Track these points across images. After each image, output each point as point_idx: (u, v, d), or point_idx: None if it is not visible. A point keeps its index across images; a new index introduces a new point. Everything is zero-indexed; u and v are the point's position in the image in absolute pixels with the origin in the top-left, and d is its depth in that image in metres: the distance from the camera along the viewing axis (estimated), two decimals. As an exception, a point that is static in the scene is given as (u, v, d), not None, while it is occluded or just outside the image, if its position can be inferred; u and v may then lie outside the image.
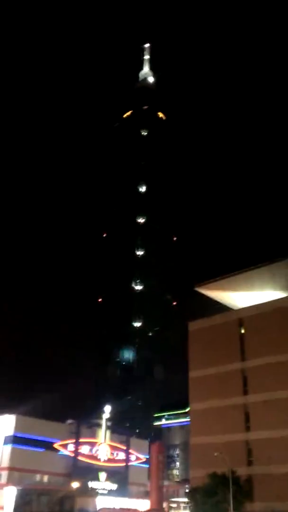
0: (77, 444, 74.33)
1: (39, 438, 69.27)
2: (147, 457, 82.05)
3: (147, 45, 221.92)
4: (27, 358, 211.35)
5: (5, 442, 67.34)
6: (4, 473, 65.21)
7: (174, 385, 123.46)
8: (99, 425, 78.81)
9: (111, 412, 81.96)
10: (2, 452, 67.08)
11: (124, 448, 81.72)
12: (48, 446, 70.38)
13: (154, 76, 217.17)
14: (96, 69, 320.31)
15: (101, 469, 75.80)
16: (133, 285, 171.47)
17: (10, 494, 60.71)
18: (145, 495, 77.54)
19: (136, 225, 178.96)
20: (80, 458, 73.95)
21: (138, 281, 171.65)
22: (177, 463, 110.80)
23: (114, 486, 75.16)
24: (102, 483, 74.30)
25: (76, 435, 74.84)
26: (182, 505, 78.82)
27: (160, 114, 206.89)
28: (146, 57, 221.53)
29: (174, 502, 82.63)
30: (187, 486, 68.74)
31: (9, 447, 66.64)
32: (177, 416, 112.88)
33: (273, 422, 50.00)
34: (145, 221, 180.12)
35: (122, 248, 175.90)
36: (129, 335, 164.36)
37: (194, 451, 58.59)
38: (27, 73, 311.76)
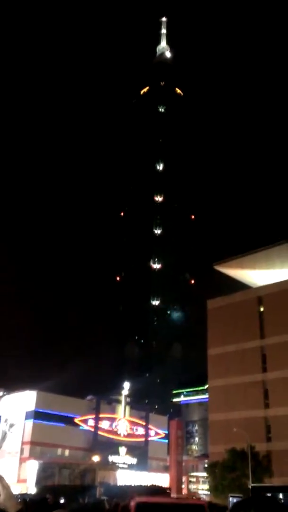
0: (97, 419, 75.51)
1: (60, 413, 70.48)
2: (166, 432, 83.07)
3: (163, 19, 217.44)
4: (48, 336, 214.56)
5: (27, 417, 68.78)
6: (26, 448, 66.75)
7: (192, 363, 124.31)
8: (119, 401, 79.82)
9: (130, 389, 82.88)
10: (24, 427, 68.57)
11: (144, 423, 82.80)
12: (69, 421, 71.64)
13: (171, 50, 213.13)
14: (113, 44, 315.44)
15: (121, 443, 77.03)
16: (151, 263, 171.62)
17: (32, 467, 62.24)
18: (165, 469, 78.81)
19: (154, 203, 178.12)
20: (100, 433, 75.20)
21: (156, 259, 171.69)
22: (196, 439, 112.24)
23: (134, 460, 76.42)
24: (122, 457, 75.59)
25: (96, 410, 75.95)
26: (201, 479, 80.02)
27: (178, 90, 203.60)
28: (163, 31, 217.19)
29: (193, 476, 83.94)
30: (206, 461, 69.64)
31: (30, 422, 68.07)
32: (196, 392, 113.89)
33: (292, 399, 49.99)
34: (163, 199, 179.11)
35: (140, 226, 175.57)
36: (148, 313, 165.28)
37: (213, 427, 59.10)
38: (44, 46, 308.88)
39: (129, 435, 79.35)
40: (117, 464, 73.31)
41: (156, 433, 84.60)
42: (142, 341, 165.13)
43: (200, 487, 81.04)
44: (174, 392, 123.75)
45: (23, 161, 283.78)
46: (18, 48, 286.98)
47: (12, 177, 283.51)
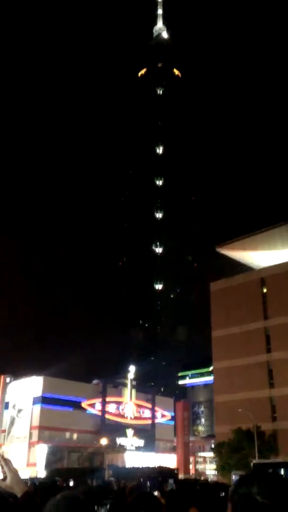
0: (104, 403, 76.30)
1: (67, 398, 71.25)
2: (173, 414, 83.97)
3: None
4: (53, 322, 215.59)
5: (34, 403, 69.59)
6: (35, 432, 67.64)
7: (197, 345, 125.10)
8: (125, 385, 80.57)
9: (136, 372, 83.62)
10: (32, 412, 69.41)
11: (150, 406, 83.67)
12: (76, 405, 72.44)
13: (167, 31, 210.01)
14: (109, 25, 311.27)
15: (128, 426, 77.94)
16: (153, 247, 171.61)
17: (41, 451, 63.17)
18: (172, 450, 79.90)
19: (154, 186, 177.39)
20: (107, 416, 76.05)
21: (158, 243, 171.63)
22: (202, 420, 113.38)
23: (141, 442, 77.40)
24: (129, 440, 76.56)
25: (103, 394, 76.72)
26: (208, 459, 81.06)
27: (176, 71, 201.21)
28: (159, 11, 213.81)
29: (200, 456, 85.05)
30: (212, 441, 70.48)
31: (38, 407, 68.88)
32: (201, 374, 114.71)
33: (296, 379, 50.43)
34: (163, 182, 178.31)
35: (141, 210, 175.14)
36: (151, 297, 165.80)
37: (218, 408, 59.73)
38: (39, 30, 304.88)
39: (136, 418, 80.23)
40: (124, 447, 74.29)
41: (163, 415, 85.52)
42: (146, 325, 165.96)
43: (207, 467, 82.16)
44: (179, 374, 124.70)
45: (22, 141, 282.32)
46: (10, 24, 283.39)
47: (12, 158, 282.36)
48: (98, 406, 75.62)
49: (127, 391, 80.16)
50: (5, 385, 74.12)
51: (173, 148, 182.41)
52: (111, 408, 77.16)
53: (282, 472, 25.62)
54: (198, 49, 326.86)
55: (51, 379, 71.49)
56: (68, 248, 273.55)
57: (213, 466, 67.41)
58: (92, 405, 75.03)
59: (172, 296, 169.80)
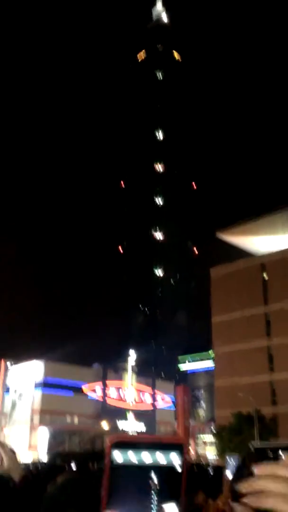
0: (105, 387, 76.82)
1: (68, 382, 71.75)
2: (173, 398, 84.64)
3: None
4: (53, 306, 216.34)
5: (36, 387, 70.11)
6: (36, 416, 68.26)
7: (197, 331, 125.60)
8: (125, 369, 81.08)
9: (136, 357, 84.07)
10: (34, 396, 69.96)
11: (151, 390, 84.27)
12: (77, 390, 72.96)
13: (167, 13, 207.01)
14: (107, 6, 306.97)
15: (129, 411, 78.60)
16: (154, 233, 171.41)
17: (43, 434, 63.80)
18: (173, 434, 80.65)
19: (154, 172, 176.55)
20: (108, 401, 76.61)
21: (158, 229, 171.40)
22: (203, 404, 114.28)
23: (142, 426, 78.13)
24: (130, 423, 77.25)
25: (103, 378, 77.23)
26: (208, 443, 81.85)
27: (176, 55, 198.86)
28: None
29: (201, 440, 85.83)
30: (212, 425, 71.11)
31: (39, 392, 69.42)
32: (201, 359, 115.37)
33: (296, 363, 50.72)
34: (163, 167, 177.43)
35: (141, 196, 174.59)
36: (152, 283, 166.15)
37: (219, 393, 60.15)
38: (34, 12, 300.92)
39: (136, 402, 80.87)
40: (125, 431, 74.98)
41: (163, 400, 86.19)
42: (146, 310, 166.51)
43: (208, 450, 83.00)
44: (180, 359, 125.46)
45: (18, 128, 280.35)
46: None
47: (6, 147, 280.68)
48: (99, 391, 76.14)
49: (127, 375, 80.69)
50: (6, 369, 74.60)
51: (173, 132, 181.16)
52: (112, 393, 77.69)
53: (280, 452, 25.76)
54: (198, 32, 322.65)
55: (52, 364, 71.92)
56: (68, 234, 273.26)
57: (213, 449, 68.18)
58: (93, 390, 75.55)
59: (172, 281, 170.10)
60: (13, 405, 71.92)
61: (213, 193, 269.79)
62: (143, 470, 0.82)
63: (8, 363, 75.00)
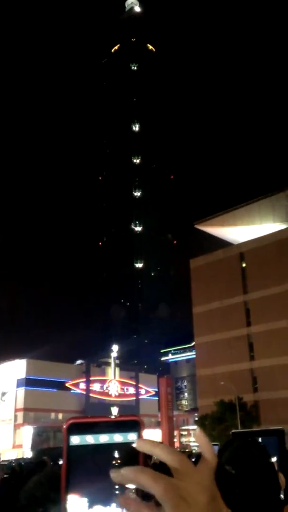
0: (88, 382, 76.84)
1: (51, 379, 71.50)
2: (156, 390, 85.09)
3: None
4: (34, 304, 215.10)
5: (18, 385, 69.69)
6: (20, 414, 67.92)
7: (178, 322, 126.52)
8: (108, 364, 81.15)
9: (119, 351, 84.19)
10: (16, 394, 69.55)
11: (134, 383, 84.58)
12: (60, 386, 72.77)
13: (140, 5, 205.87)
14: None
15: (113, 404, 78.79)
16: (132, 226, 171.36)
17: (27, 433, 63.54)
18: (157, 425, 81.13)
19: (132, 165, 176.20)
20: (92, 395, 76.69)
21: (137, 222, 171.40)
22: (185, 394, 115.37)
23: (126, 419, 78.27)
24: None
25: (86, 374, 77.21)
26: (192, 432, 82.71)
27: (150, 46, 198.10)
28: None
29: (185, 430, 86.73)
30: (196, 414, 71.85)
31: (22, 390, 69.03)
32: (183, 350, 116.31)
33: (275, 350, 51.50)
34: (141, 160, 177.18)
35: (119, 189, 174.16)
36: (132, 276, 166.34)
37: (201, 382, 60.77)
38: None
39: (120, 395, 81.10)
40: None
41: (147, 391, 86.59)
42: (128, 303, 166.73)
43: (192, 439, 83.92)
44: (162, 351, 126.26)
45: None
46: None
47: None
48: (83, 385, 76.12)
49: (110, 369, 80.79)
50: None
51: (150, 125, 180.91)
52: (95, 387, 77.76)
53: (260, 440, 26.21)
54: (172, 22, 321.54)
55: (35, 361, 71.57)
56: (47, 230, 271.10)
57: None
58: (76, 385, 75.48)
59: (152, 274, 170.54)
60: (-4, 405, 71.42)
61: (191, 185, 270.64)
62: (100, 449, 0.83)
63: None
